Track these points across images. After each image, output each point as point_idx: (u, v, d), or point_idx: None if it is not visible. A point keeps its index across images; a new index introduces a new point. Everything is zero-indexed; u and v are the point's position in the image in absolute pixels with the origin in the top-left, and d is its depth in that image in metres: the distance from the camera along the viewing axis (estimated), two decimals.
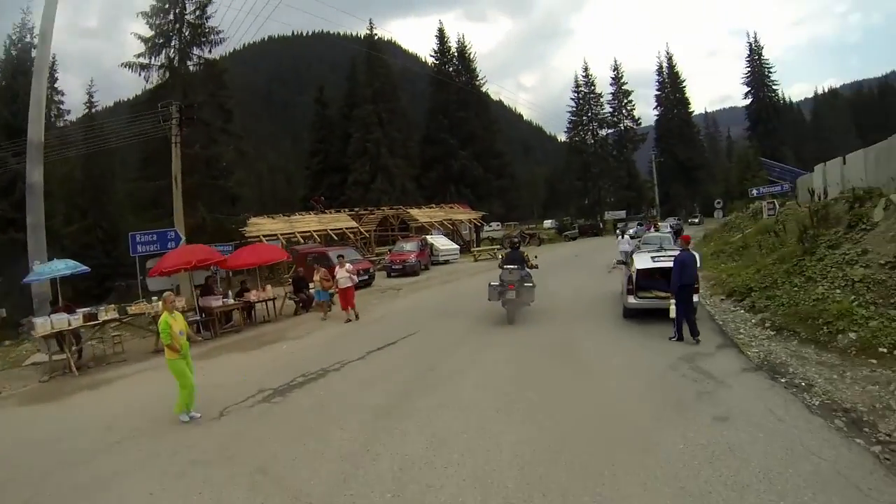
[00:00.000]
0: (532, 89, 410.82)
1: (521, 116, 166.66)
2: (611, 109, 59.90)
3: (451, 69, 48.89)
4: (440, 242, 30.94)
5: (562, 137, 63.29)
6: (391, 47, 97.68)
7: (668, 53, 73.98)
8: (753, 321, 9.83)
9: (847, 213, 11.92)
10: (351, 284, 13.78)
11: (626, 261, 15.19)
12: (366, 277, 21.30)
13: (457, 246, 32.38)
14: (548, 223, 68.21)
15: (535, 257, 13.44)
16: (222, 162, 28.66)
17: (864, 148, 16.05)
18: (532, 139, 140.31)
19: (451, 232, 37.81)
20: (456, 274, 24.00)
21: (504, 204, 48.81)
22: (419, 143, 48.43)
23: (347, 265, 13.94)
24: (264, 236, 27.45)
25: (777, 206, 18.87)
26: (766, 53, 67.39)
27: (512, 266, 11.70)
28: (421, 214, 36.35)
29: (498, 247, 34.43)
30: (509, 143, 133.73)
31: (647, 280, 10.79)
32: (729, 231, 27.20)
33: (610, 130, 59.94)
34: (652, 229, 24.19)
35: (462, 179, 45.05)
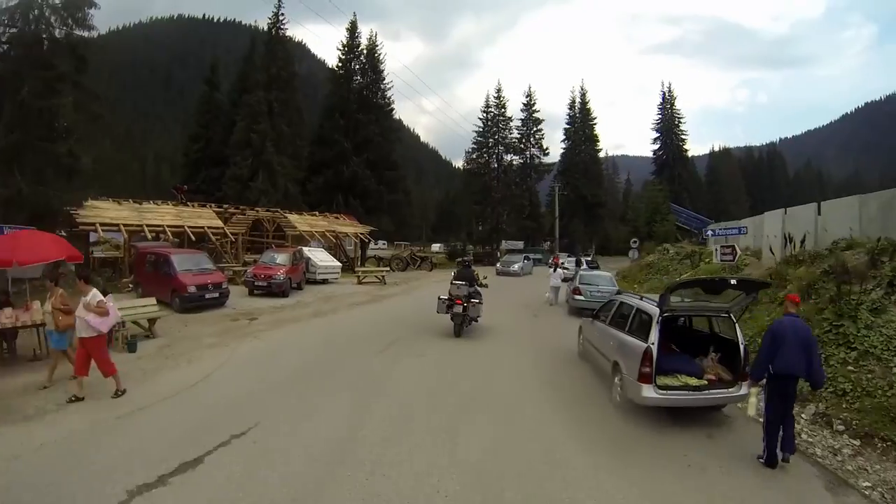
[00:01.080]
0: (433, 114, 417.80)
1: (418, 138, 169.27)
2: (519, 135, 58.21)
3: (356, 66, 44.02)
4: (319, 257, 25.90)
5: (458, 163, 62.39)
6: (300, 48, 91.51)
7: (582, 89, 72.27)
8: (806, 416, 7.03)
9: (869, 268, 9.33)
10: (95, 335, 7.51)
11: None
12: (216, 295, 16.29)
13: (338, 263, 27.42)
14: (436, 247, 65.82)
15: (485, 277, 14.52)
16: (62, 120, 20.94)
17: (854, 195, 14.27)
18: (427, 162, 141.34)
19: (334, 246, 32.90)
20: (335, 300, 19.38)
21: (395, 221, 44.20)
22: (310, 144, 42.76)
23: (93, 295, 7.57)
24: (102, 225, 21.73)
25: (737, 251, 16.26)
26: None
27: (461, 282, 12.82)
28: (301, 221, 30.93)
29: (386, 269, 30.11)
30: (405, 162, 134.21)
31: (668, 357, 7.11)
32: (655, 273, 25.29)
33: (516, 157, 58.10)
34: (556, 268, 21.49)
35: (352, 189, 40.11)
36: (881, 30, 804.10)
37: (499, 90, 56.86)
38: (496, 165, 56.08)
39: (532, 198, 58.87)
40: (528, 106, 59.12)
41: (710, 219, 49.88)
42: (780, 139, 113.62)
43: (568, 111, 66.59)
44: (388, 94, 45.27)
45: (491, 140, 55.52)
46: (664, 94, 72.08)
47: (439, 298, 12.77)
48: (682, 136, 70.57)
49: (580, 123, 65.56)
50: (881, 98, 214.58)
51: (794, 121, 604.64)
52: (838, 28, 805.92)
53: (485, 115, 55.64)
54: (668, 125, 70.12)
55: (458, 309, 12.39)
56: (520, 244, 55.43)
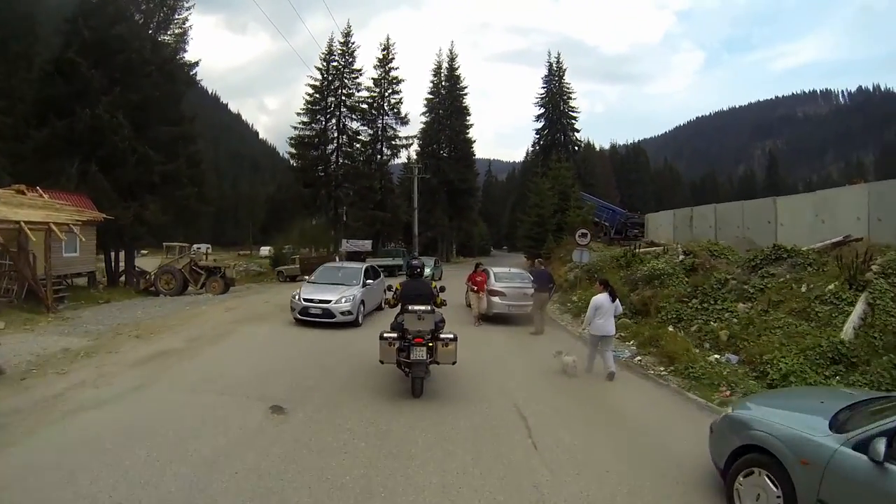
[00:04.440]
0: (274, 112, 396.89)
1: (256, 134, 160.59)
2: (370, 99, 44.10)
3: None
4: None
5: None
6: None
7: (451, 53, 56.98)
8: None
9: None
10: None
11: None
12: None
13: None
14: (265, 250, 52.11)
15: (443, 289, 8.96)
16: None
17: None
18: (264, 159, 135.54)
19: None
20: None
21: (172, 208, 27.04)
22: (42, 77, 25.57)
23: None
24: None
25: None
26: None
27: (422, 308, 7.82)
28: None
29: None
30: (238, 159, 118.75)
31: None
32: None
33: (364, 127, 44.05)
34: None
35: (96, 150, 23.86)
36: (708, 56, 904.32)
37: (347, 34, 42.08)
38: (336, 134, 41.72)
39: (385, 180, 45.18)
40: (384, 62, 44.96)
41: (622, 208, 41.33)
42: (619, 144, 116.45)
43: (432, 78, 53.99)
44: (186, 36, 29.49)
45: (331, 98, 40.99)
46: (550, 65, 61.79)
47: (383, 337, 7.98)
48: (573, 114, 61.07)
49: (446, 93, 53.15)
50: (710, 113, 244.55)
51: (629, 129, 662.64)
52: (671, 52, 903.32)
53: (325, 64, 40.70)
54: (555, 100, 60.09)
55: (420, 354, 7.66)
56: (367, 243, 40.08)
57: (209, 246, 67.74)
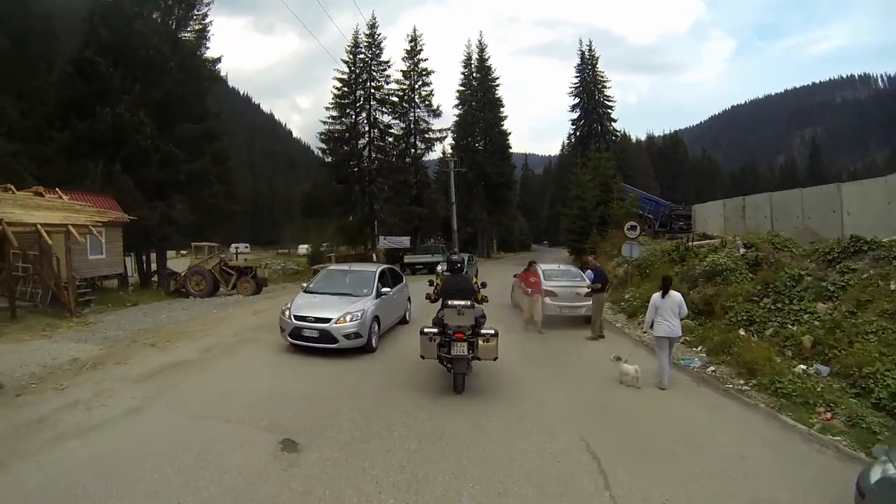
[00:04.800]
0: (307, 111, 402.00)
1: (290, 133, 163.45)
2: (400, 92, 42.33)
3: None
4: None
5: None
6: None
7: (480, 44, 53.53)
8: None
9: None
10: None
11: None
12: None
13: None
14: (303, 248, 50.96)
15: (484, 285, 8.99)
16: None
17: None
18: (299, 157, 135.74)
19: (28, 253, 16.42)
20: None
21: (200, 208, 25.96)
22: (63, 78, 24.60)
23: None
24: None
25: None
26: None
27: (462, 303, 7.74)
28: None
29: None
30: (274, 158, 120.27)
31: None
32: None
33: (395, 120, 42.18)
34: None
35: (120, 150, 23.00)
36: (740, 44, 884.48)
37: (372, 25, 40.10)
38: (367, 128, 39.84)
39: (419, 174, 43.14)
40: (412, 53, 43.14)
41: (665, 199, 39.14)
42: (656, 136, 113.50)
43: (462, 70, 52.10)
44: (206, 31, 27.68)
45: (360, 92, 39.24)
46: (582, 53, 59.08)
47: (423, 332, 7.79)
48: (608, 104, 58.38)
49: (478, 84, 51.35)
50: (745, 102, 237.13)
51: (662, 121, 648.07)
52: (701, 41, 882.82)
53: (351, 57, 39.07)
54: (589, 89, 57.58)
55: (461, 349, 7.55)
56: (405, 240, 39.13)
57: (247, 245, 68.52)
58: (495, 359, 7.84)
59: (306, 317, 10.35)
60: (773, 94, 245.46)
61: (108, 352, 10.56)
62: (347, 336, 10.14)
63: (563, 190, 46.64)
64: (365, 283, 11.86)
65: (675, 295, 8.71)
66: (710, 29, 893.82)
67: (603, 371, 9.27)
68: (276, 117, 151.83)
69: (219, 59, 29.12)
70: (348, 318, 10.25)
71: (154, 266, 26.97)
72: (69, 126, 22.91)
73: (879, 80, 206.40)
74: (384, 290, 11.88)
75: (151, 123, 23.21)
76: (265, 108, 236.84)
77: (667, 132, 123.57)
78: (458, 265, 8.82)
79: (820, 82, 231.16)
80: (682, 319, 8.79)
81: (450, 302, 7.86)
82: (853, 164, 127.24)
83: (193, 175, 24.80)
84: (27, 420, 6.53)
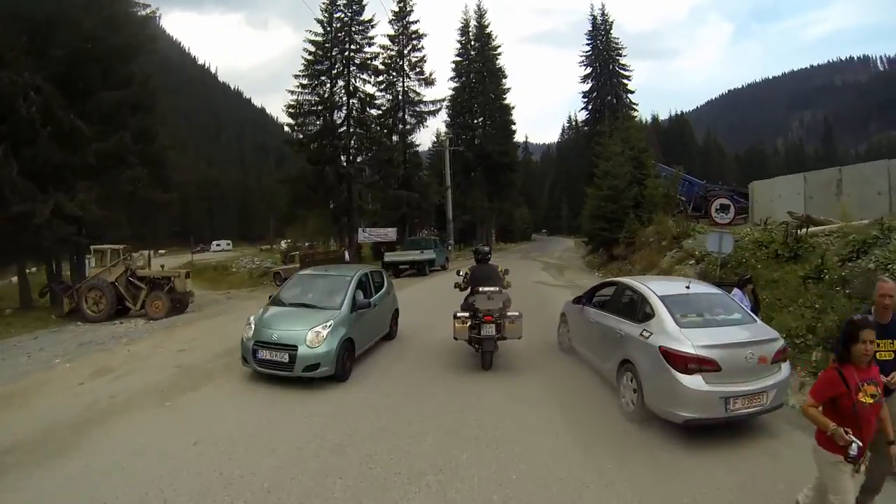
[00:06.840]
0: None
1: (282, 127, 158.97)
2: (387, 58, 36.20)
3: None
4: None
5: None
6: None
7: (479, 9, 47.29)
8: None
9: None
10: None
11: None
12: None
13: None
14: (284, 244, 46.45)
15: (507, 272, 9.16)
16: None
17: None
18: (290, 151, 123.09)
19: None
20: None
21: (114, 199, 18.91)
22: None
23: None
24: None
25: None
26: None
27: (491, 289, 8.44)
28: None
29: None
30: (264, 152, 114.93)
31: None
32: None
33: (380, 92, 35.86)
34: None
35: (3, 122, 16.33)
36: (737, 28, 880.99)
37: None
38: (346, 98, 33.01)
39: (409, 154, 36.78)
40: (401, 15, 36.71)
41: (700, 179, 33.82)
42: (662, 118, 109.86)
43: (458, 39, 46.19)
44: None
45: (338, 55, 32.55)
46: (594, 18, 53.08)
47: (455, 316, 8.30)
48: (625, 73, 52.55)
49: (477, 53, 45.41)
50: (743, 86, 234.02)
51: (661, 106, 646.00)
52: (698, 25, 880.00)
53: (327, 16, 32.29)
54: (602, 57, 52.04)
55: (490, 330, 8.09)
56: (390, 232, 33.44)
57: (229, 242, 63.11)
58: (520, 337, 8.39)
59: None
60: (770, 77, 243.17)
61: None
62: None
63: (564, 175, 41.31)
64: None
65: None
66: (708, 13, 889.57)
67: None
68: (269, 111, 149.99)
69: (155, 11, 22.85)
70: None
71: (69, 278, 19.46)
72: None
73: (879, 61, 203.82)
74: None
75: (52, 89, 17.05)
76: (257, 102, 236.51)
77: (675, 113, 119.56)
78: (487, 255, 9.36)
79: (819, 65, 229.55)
80: None
81: (480, 288, 8.42)
82: (855, 146, 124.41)
83: (105, 155, 18.26)
84: None
